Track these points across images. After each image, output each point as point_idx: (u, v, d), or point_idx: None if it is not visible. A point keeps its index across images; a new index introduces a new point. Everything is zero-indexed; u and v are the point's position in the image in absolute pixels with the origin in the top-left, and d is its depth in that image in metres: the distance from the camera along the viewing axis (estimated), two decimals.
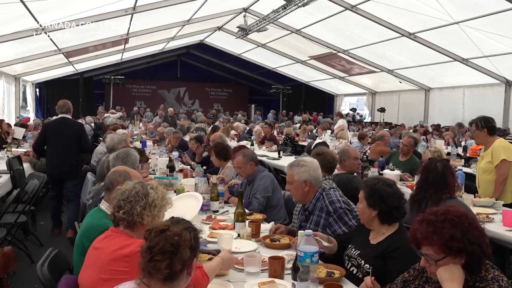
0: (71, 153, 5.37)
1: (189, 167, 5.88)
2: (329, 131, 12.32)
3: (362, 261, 2.42)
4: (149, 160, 5.89)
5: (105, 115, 14.89)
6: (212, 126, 10.30)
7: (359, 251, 2.48)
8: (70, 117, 5.56)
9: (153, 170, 5.61)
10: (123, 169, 2.67)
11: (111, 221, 2.14)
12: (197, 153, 6.51)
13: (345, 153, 4.41)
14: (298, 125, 14.67)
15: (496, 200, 3.98)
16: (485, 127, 4.23)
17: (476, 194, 4.15)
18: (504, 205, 3.94)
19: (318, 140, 9.24)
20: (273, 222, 3.29)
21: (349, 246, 2.59)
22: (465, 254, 1.69)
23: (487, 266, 1.76)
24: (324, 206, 2.93)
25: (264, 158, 7.52)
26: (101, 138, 8.88)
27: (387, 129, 11.42)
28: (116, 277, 1.82)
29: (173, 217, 1.70)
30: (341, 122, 12.80)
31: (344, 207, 2.93)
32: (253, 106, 24.25)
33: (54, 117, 6.84)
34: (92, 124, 12.71)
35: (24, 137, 8.96)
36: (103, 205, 2.50)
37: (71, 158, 5.36)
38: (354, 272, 2.45)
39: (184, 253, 1.54)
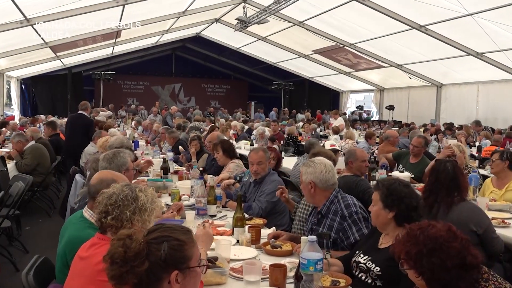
0: (82, 138, 7.46)
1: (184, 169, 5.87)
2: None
3: (373, 265, 2.41)
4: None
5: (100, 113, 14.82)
6: (210, 126, 10.30)
7: (369, 257, 2.47)
8: (86, 114, 8.31)
9: (146, 171, 5.59)
10: (110, 177, 2.55)
11: (94, 231, 2.12)
12: (192, 154, 6.49)
13: (352, 154, 4.40)
14: (301, 123, 14.62)
15: None
16: (508, 159, 4.32)
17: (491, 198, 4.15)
18: None
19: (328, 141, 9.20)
20: (274, 228, 3.29)
21: (357, 252, 2.57)
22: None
23: (486, 276, 1.74)
24: (339, 209, 2.90)
25: None
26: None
27: (396, 128, 11.39)
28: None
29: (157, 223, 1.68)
30: (340, 121, 12.71)
31: (360, 212, 2.89)
32: (253, 103, 24.26)
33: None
34: None
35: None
36: (87, 213, 2.44)
37: (82, 142, 7.26)
38: (363, 278, 2.44)
39: (139, 265, 1.49)
